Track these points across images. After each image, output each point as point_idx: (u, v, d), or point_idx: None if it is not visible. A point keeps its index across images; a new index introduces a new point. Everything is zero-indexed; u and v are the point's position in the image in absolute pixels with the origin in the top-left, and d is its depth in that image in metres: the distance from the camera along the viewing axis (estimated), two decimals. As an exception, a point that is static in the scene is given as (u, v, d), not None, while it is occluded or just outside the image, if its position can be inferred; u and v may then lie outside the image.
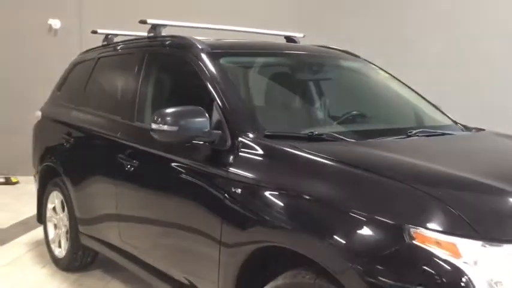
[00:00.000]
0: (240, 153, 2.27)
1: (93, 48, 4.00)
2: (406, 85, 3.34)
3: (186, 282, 2.60)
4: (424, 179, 1.83)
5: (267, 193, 2.08)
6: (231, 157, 2.28)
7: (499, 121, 5.03)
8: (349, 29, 6.56)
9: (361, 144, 2.31)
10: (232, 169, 2.25)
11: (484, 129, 2.95)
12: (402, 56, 6.37)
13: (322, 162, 2.03)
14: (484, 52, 6.30)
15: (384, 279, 1.61)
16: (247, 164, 2.23)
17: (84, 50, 4.26)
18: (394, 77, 3.39)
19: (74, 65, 4.14)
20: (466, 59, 6.36)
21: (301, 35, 3.83)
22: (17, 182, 7.05)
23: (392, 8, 6.71)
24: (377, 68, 3.43)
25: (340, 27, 6.57)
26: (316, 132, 2.34)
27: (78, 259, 3.81)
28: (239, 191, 2.19)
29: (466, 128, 3.02)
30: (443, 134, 2.69)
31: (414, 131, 2.53)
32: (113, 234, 3.24)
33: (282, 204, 2.02)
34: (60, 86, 4.23)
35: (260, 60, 3.14)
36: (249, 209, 2.14)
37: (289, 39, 3.79)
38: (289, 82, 3.14)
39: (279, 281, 1.96)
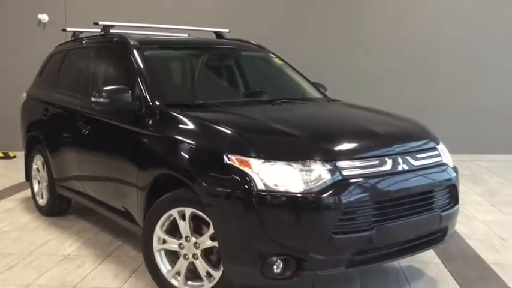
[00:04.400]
0: (150, 117, 3.32)
1: (65, 43, 5.04)
2: (297, 70, 4.40)
3: (124, 210, 3.67)
4: (242, 126, 2.94)
5: (163, 142, 3.17)
6: (144, 119, 3.34)
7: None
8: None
9: (227, 109, 3.36)
10: (144, 128, 3.31)
11: (339, 100, 4.02)
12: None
13: (193, 119, 3.10)
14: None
15: (213, 185, 2.74)
16: (153, 123, 3.29)
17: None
18: (288, 64, 4.44)
19: (51, 56, 5.12)
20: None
21: (227, 30, 4.83)
22: (14, 157, 8.09)
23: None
24: (276, 56, 4.47)
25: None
26: (201, 102, 3.41)
27: (55, 206, 4.82)
28: (146, 141, 3.27)
29: (332, 100, 4.07)
30: (300, 103, 3.76)
31: (278, 101, 3.60)
32: (77, 183, 4.30)
33: (170, 147, 3.09)
34: (40, 72, 5.22)
35: (176, 51, 4.16)
36: (152, 153, 3.22)
37: (217, 34, 4.75)
38: (197, 67, 4.17)
39: (165, 196, 3.05)
